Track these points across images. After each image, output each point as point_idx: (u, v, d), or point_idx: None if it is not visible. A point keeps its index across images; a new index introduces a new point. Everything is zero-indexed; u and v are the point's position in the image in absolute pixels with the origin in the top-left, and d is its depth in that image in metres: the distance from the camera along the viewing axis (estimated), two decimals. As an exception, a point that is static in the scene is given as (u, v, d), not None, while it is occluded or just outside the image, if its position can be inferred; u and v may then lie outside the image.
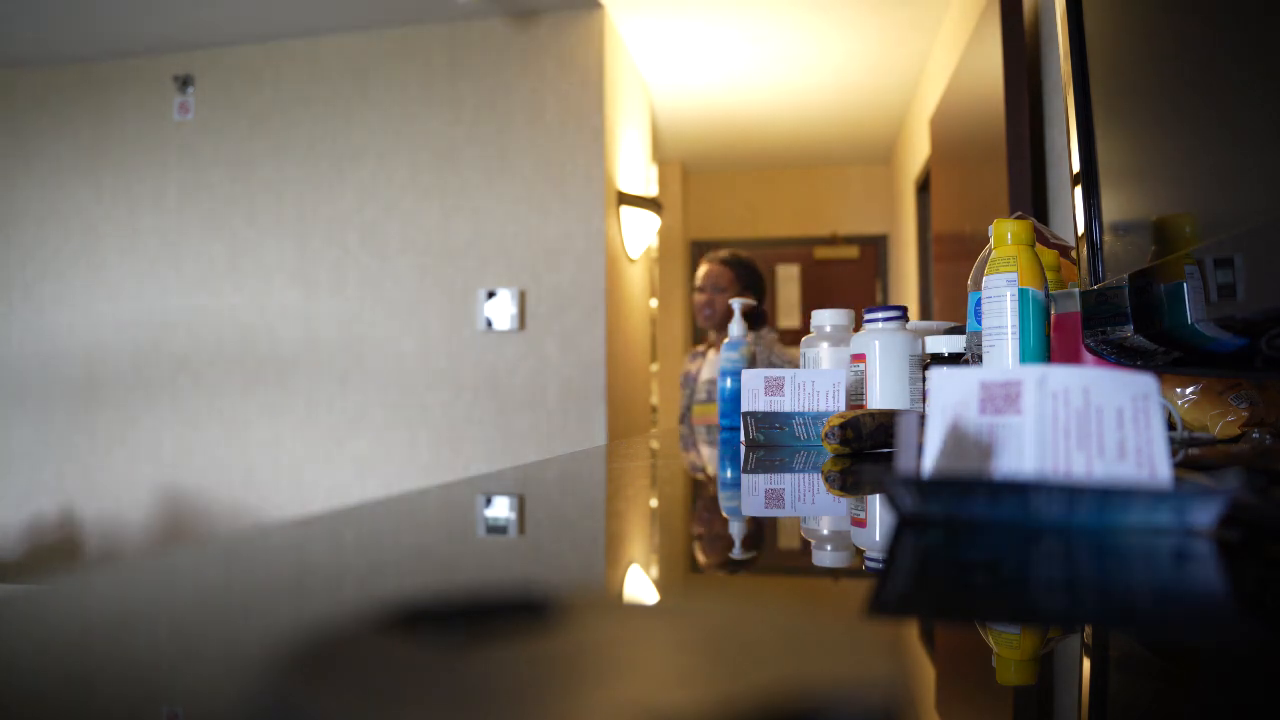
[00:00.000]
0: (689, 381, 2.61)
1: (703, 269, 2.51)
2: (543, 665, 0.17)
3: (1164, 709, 0.22)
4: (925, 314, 4.04)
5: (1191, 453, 0.65)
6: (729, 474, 0.81)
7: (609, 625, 0.20)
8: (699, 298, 2.49)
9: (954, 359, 1.06)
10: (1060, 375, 0.44)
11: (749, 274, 2.51)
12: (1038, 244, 0.85)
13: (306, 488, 3.35)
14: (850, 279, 5.67)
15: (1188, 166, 0.61)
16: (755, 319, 2.48)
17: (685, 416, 2.64)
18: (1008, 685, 0.24)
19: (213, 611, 0.29)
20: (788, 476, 0.75)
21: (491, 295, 3.20)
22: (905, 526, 0.43)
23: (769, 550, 0.46)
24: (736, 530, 0.50)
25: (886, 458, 0.83)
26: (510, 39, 3.29)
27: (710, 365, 2.51)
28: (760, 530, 0.51)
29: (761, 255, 5.78)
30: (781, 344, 2.46)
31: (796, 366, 2.15)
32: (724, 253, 2.52)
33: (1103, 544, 0.38)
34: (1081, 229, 0.74)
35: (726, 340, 1.46)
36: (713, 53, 3.72)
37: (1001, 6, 2.10)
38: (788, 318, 5.68)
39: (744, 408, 1.05)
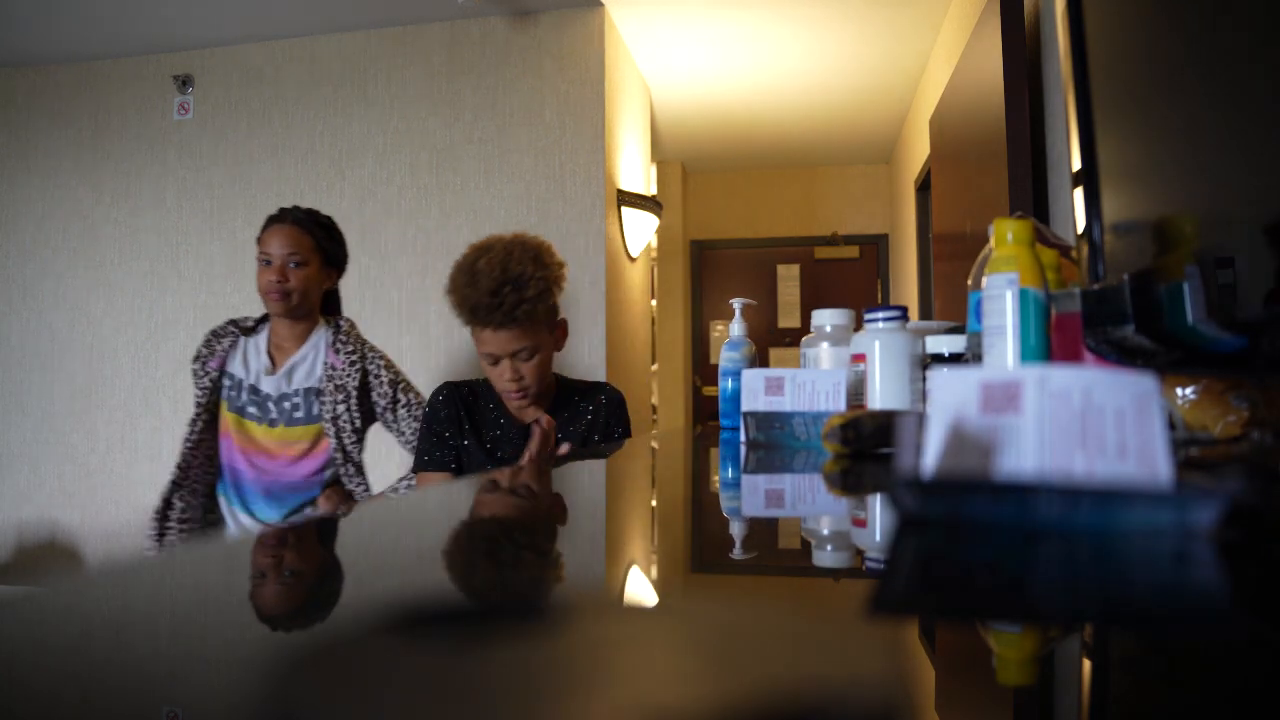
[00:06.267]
0: (210, 373, 1.85)
1: (269, 232, 1.78)
2: (543, 665, 0.17)
3: (1164, 709, 0.22)
4: (925, 314, 4.04)
5: (1192, 453, 0.65)
6: (730, 473, 0.81)
7: (609, 625, 0.20)
8: (268, 275, 1.75)
9: (954, 359, 1.06)
10: (1060, 375, 0.44)
11: (335, 243, 1.85)
12: (1038, 244, 0.84)
13: (306, 487, 3.35)
14: (850, 279, 5.66)
15: (1188, 166, 0.61)
16: (331, 303, 1.93)
17: (193, 447, 1.94)
18: (1008, 685, 0.24)
19: (213, 611, 0.29)
20: (788, 477, 0.75)
21: (491, 295, 3.20)
22: (906, 527, 0.42)
23: (770, 550, 0.45)
24: (737, 530, 0.50)
25: (887, 458, 0.83)
26: (510, 38, 3.28)
27: (256, 357, 1.84)
28: (761, 530, 0.51)
29: (762, 255, 5.78)
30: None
31: (392, 369, 1.84)
32: (297, 211, 1.81)
33: (1103, 544, 0.38)
34: (1081, 229, 0.74)
35: (727, 340, 1.46)
36: (713, 52, 3.72)
37: (1001, 6, 2.10)
38: (788, 318, 5.68)
39: (744, 408, 1.05)
